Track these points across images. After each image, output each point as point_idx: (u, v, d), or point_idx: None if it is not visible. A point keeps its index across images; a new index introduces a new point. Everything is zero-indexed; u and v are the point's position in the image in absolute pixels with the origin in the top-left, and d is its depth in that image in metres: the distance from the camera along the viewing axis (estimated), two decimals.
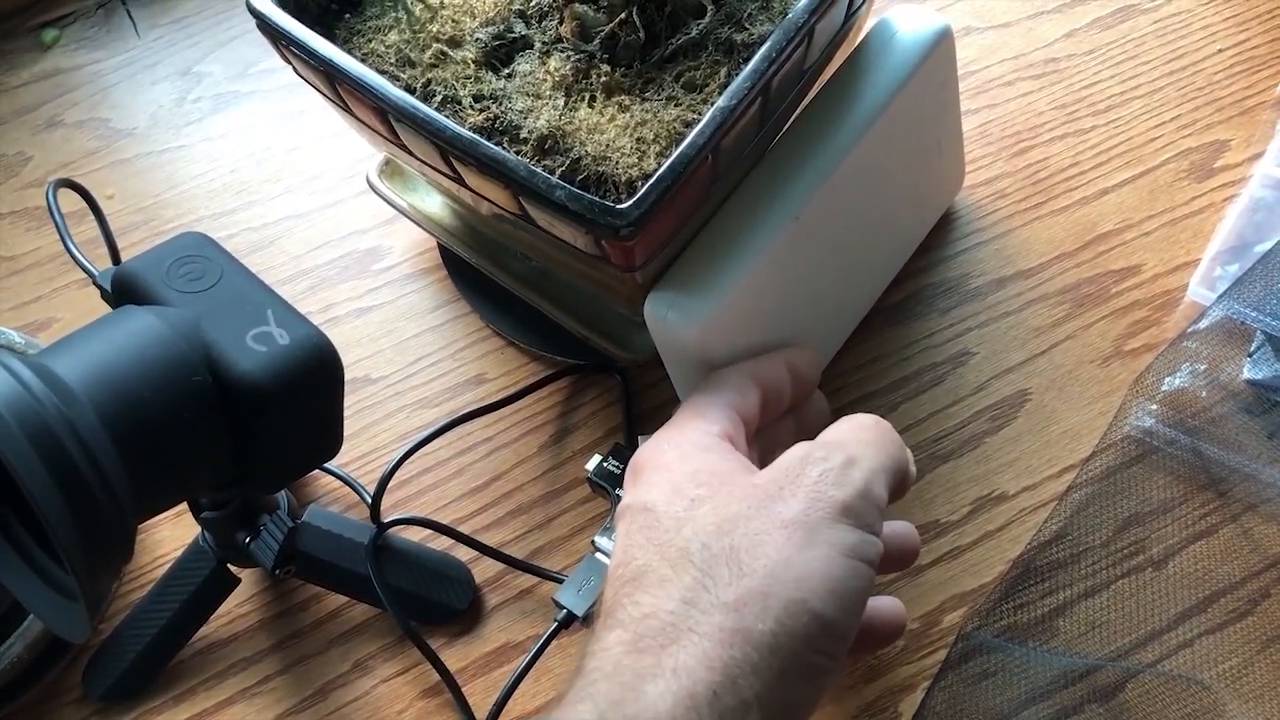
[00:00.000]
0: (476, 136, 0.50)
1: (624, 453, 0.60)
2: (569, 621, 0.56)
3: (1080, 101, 0.71)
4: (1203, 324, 0.62)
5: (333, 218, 0.73)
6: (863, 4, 0.56)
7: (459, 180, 0.53)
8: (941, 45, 0.59)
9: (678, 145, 0.50)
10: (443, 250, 0.70)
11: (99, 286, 0.54)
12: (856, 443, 0.45)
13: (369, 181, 0.68)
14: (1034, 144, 0.70)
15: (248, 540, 0.56)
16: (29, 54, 0.81)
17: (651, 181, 0.48)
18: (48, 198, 0.58)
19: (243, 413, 0.45)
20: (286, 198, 0.74)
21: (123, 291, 0.49)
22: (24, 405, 0.41)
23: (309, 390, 0.47)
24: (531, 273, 0.65)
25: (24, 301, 0.71)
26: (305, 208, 0.73)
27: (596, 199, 0.48)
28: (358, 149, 0.75)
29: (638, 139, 0.51)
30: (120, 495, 0.43)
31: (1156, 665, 0.55)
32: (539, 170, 0.49)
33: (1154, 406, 0.60)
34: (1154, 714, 0.54)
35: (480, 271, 0.67)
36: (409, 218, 0.67)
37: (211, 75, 0.79)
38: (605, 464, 0.60)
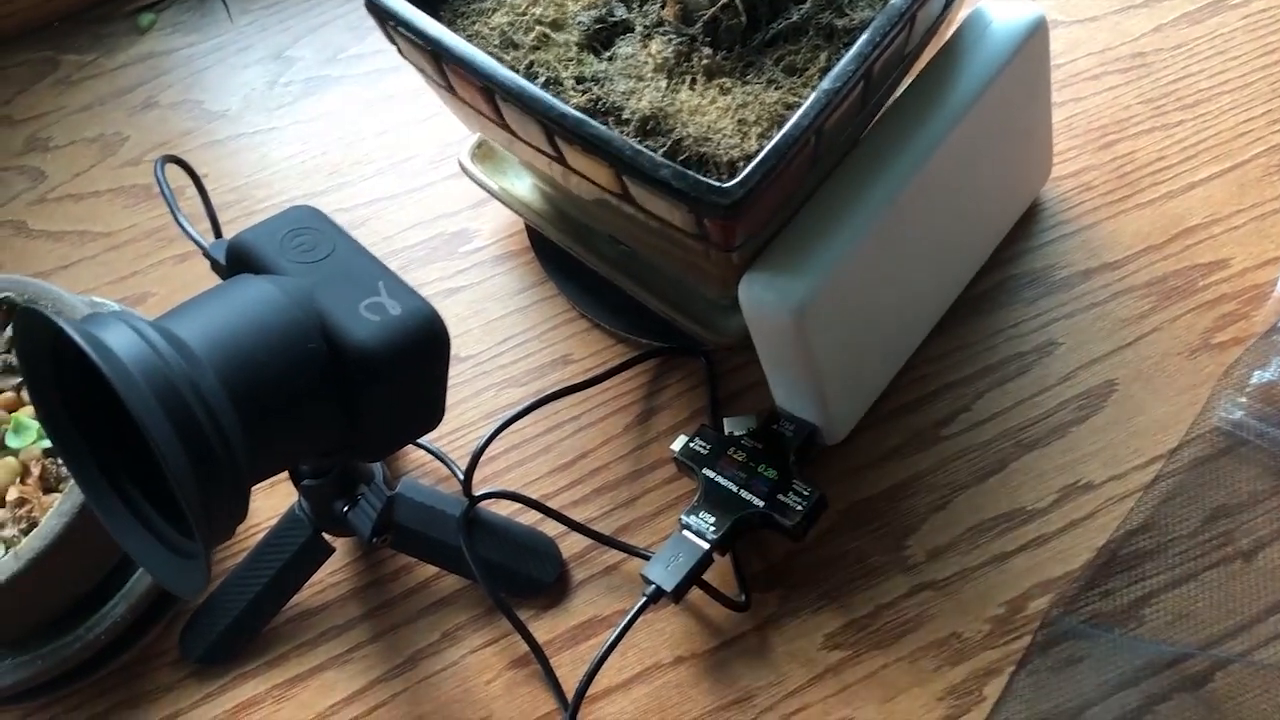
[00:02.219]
0: (583, 116, 0.51)
1: (709, 433, 0.61)
2: (657, 596, 0.56)
3: (1167, 96, 0.71)
4: None
5: (422, 200, 0.74)
6: None
7: (560, 160, 0.54)
8: (1036, 35, 0.60)
9: (780, 127, 0.50)
10: (531, 233, 0.71)
11: (209, 258, 0.56)
12: None
13: (461, 164, 0.69)
14: (1120, 137, 0.70)
15: (345, 509, 0.57)
16: (126, 38, 0.84)
17: (757, 161, 0.49)
18: (156, 173, 0.60)
19: (355, 380, 0.47)
20: (376, 180, 0.75)
21: (237, 261, 0.50)
22: (151, 363, 0.43)
23: (419, 359, 0.48)
24: (619, 256, 0.66)
25: (121, 276, 0.73)
26: (395, 190, 0.75)
27: (701, 178, 0.49)
28: (446, 134, 0.76)
29: (739, 120, 0.52)
30: (238, 453, 0.44)
31: (1247, 656, 0.55)
32: (644, 149, 0.50)
33: (1243, 399, 0.60)
34: (1245, 704, 0.54)
35: (568, 254, 0.68)
36: (500, 200, 0.68)
37: (302, 60, 0.81)
38: (691, 444, 0.61)
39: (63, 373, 0.48)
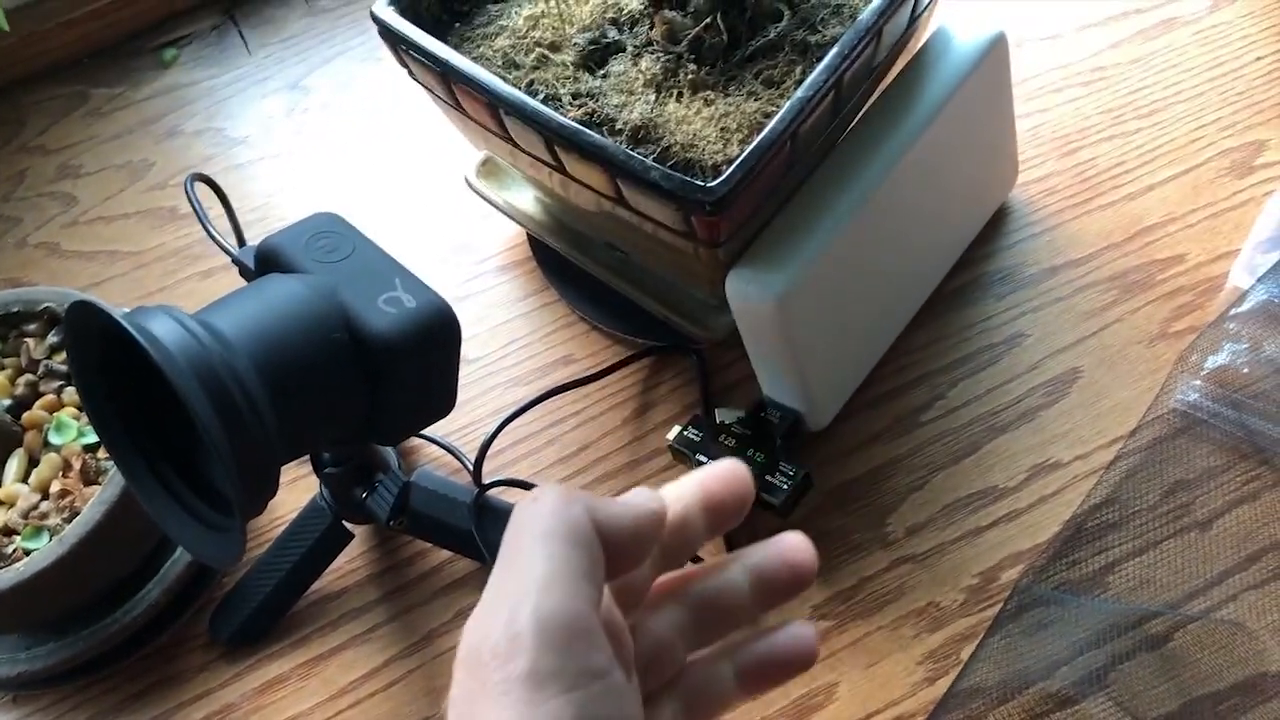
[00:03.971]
0: (579, 126, 0.56)
1: (702, 422, 0.66)
2: None
3: (1126, 106, 0.76)
4: (1244, 307, 0.66)
5: (429, 216, 0.79)
6: (925, 9, 0.62)
7: (560, 169, 0.59)
8: (996, 49, 0.65)
9: (759, 133, 0.55)
10: (532, 243, 0.76)
11: (237, 263, 0.60)
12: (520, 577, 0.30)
13: (467, 181, 0.74)
14: (1082, 145, 0.75)
15: (364, 495, 0.61)
16: (151, 71, 0.89)
17: (738, 162, 0.53)
18: (186, 189, 0.65)
19: (375, 366, 0.51)
20: (387, 198, 0.80)
21: (266, 262, 0.55)
22: (192, 349, 0.47)
23: (432, 348, 0.52)
24: (615, 261, 0.70)
25: (149, 292, 0.78)
26: (405, 207, 0.80)
27: (687, 178, 0.54)
28: (450, 156, 0.81)
29: (722, 128, 0.57)
30: (270, 432, 0.48)
31: (1204, 615, 0.59)
32: (635, 155, 0.55)
33: (1198, 382, 0.65)
34: (1202, 659, 0.58)
35: (567, 261, 0.73)
36: (504, 213, 0.73)
37: (317, 89, 0.87)
38: (685, 432, 0.65)
39: (107, 363, 0.53)
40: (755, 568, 0.36)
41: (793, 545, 0.36)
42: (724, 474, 0.36)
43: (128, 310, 0.53)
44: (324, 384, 0.51)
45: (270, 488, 0.50)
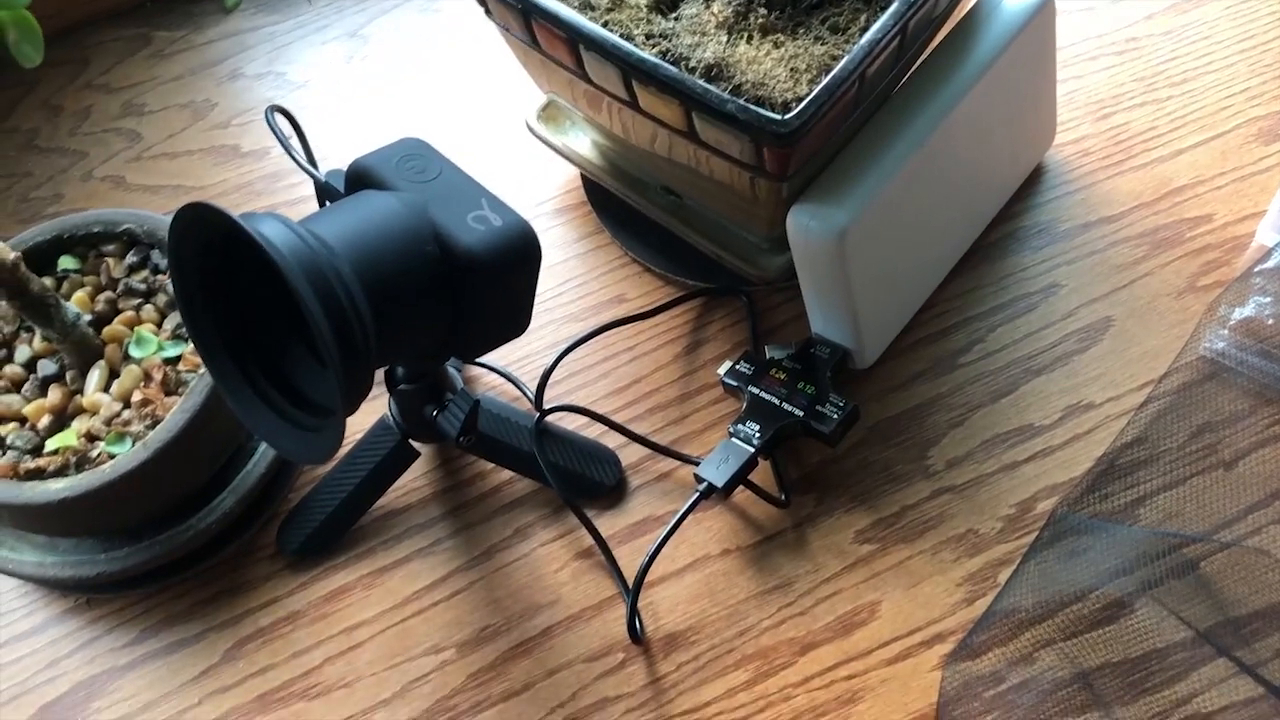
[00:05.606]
0: (658, 60, 0.59)
1: (753, 357, 0.69)
2: (709, 492, 0.64)
3: (1158, 75, 0.80)
4: (1270, 263, 0.70)
5: (486, 162, 0.82)
6: None
7: (633, 104, 0.62)
8: (1044, 10, 0.68)
9: (828, 73, 0.59)
10: (588, 187, 0.79)
11: (321, 185, 0.63)
12: None
13: (527, 124, 0.77)
14: (1116, 110, 0.79)
15: (435, 413, 0.64)
16: (213, 16, 0.92)
17: (810, 97, 0.57)
18: (267, 118, 0.67)
19: (462, 280, 0.54)
20: (447, 144, 0.82)
21: (357, 180, 0.58)
22: (301, 250, 0.50)
23: (517, 263, 0.55)
24: (670, 203, 0.73)
25: None
26: (464, 152, 0.82)
27: (763, 111, 0.57)
28: (508, 105, 0.84)
29: (791, 69, 0.60)
30: (369, 332, 0.51)
31: (1231, 545, 0.62)
32: (711, 88, 0.58)
33: (1225, 332, 0.68)
34: (1227, 586, 0.61)
35: (621, 205, 0.76)
36: (563, 155, 0.76)
37: (377, 38, 0.89)
38: (737, 366, 0.69)
39: (205, 269, 0.55)
40: None
41: None
42: None
43: (241, 214, 0.56)
44: (415, 294, 0.54)
45: (366, 387, 0.53)
